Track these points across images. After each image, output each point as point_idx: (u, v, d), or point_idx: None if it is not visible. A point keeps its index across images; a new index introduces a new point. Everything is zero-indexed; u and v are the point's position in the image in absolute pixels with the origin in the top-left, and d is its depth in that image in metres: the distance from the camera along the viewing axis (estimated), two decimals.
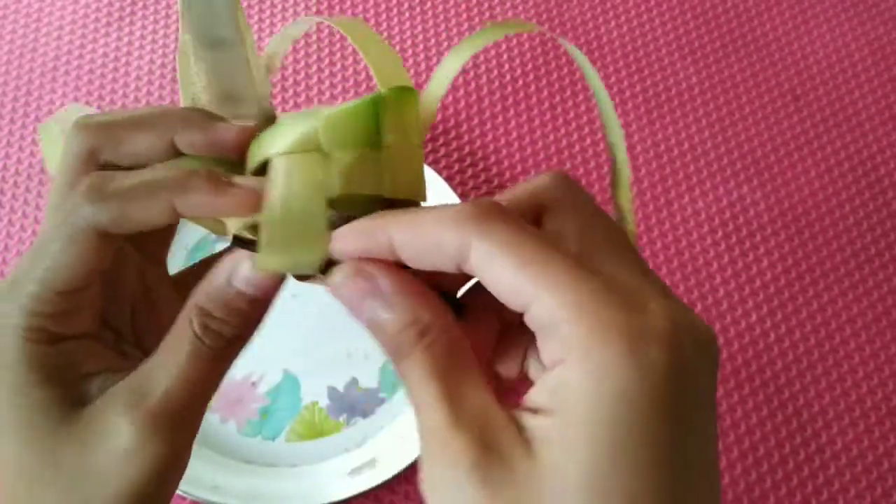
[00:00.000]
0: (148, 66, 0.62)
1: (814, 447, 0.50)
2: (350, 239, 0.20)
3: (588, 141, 0.60)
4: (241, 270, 0.21)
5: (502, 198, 0.20)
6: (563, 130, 0.60)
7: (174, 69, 0.62)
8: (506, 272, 0.17)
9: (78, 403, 0.22)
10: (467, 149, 0.59)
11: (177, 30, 0.64)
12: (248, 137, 0.22)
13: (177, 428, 0.21)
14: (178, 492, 0.46)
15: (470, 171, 0.58)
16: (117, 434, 0.21)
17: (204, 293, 0.21)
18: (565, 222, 0.19)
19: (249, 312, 0.21)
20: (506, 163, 0.58)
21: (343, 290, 0.20)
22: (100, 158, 0.22)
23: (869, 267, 0.56)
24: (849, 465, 0.50)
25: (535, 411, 0.17)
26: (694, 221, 0.57)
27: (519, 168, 0.58)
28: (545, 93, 0.61)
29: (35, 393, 0.21)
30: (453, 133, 0.59)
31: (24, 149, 0.58)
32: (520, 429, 0.17)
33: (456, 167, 0.58)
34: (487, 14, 0.65)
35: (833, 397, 0.52)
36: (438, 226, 0.18)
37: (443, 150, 0.59)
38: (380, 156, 0.20)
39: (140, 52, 0.62)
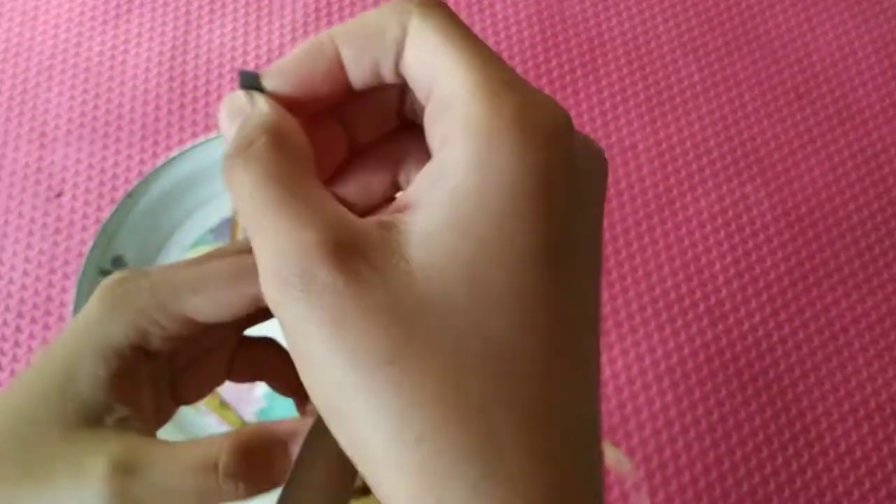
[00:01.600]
0: (145, 64, 0.61)
1: (817, 449, 0.50)
2: (296, 57, 0.19)
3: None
4: None
5: None
6: None
7: (171, 67, 0.61)
8: (434, 48, 0.17)
9: (96, 422, 0.22)
10: None
11: (174, 27, 0.63)
12: None
13: None
14: None
15: None
16: (77, 500, 0.20)
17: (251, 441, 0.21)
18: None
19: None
20: None
21: (220, 113, 0.19)
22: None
23: (874, 266, 0.56)
24: (853, 467, 0.49)
25: (401, 209, 0.16)
26: (696, 220, 0.57)
27: None
28: (547, 90, 0.61)
29: (85, 393, 0.21)
30: None
31: (19, 148, 0.58)
32: (385, 229, 0.16)
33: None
34: (488, 13, 0.64)
35: (837, 398, 0.51)
36: (380, 16, 0.18)
37: None
38: None
39: (137, 49, 0.62)
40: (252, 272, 0.20)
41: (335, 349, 0.15)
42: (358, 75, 0.18)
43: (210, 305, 0.22)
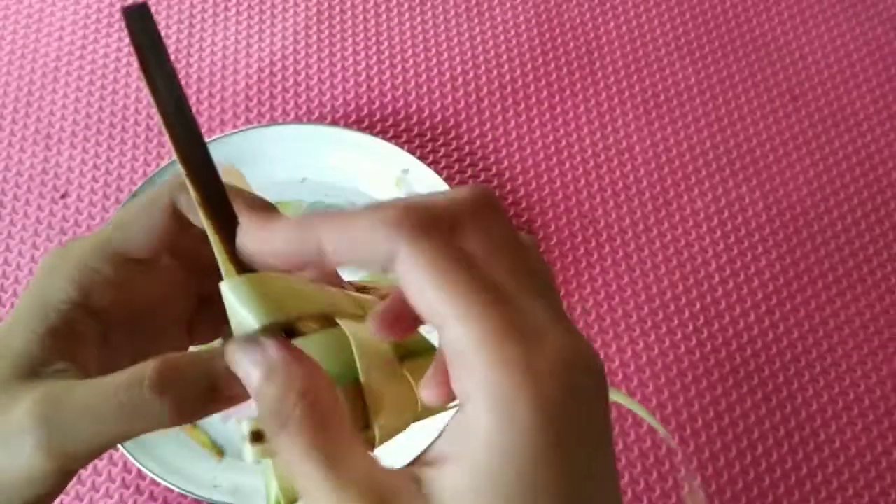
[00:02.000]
0: None
1: (812, 446, 0.50)
2: (279, 239, 0.20)
3: (587, 141, 0.60)
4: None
5: (422, 202, 0.19)
6: (562, 130, 0.60)
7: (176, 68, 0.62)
8: (426, 289, 0.17)
9: (31, 374, 0.22)
10: (467, 149, 0.59)
11: (178, 31, 0.64)
12: None
13: (76, 466, 0.22)
14: (178, 490, 0.46)
15: (469, 171, 0.58)
16: (23, 454, 0.21)
17: (182, 367, 0.22)
18: (477, 242, 0.19)
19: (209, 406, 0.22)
20: (505, 163, 0.59)
21: (237, 359, 0.20)
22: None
23: (867, 266, 0.56)
24: (847, 463, 0.50)
25: (432, 463, 0.18)
26: (692, 221, 0.57)
27: (518, 168, 0.58)
28: (545, 93, 0.61)
29: (25, 341, 0.22)
30: (453, 133, 0.60)
31: (25, 149, 0.59)
32: (416, 482, 0.18)
33: (456, 167, 0.58)
34: (487, 14, 0.65)
35: (831, 396, 0.52)
36: (369, 231, 0.18)
37: (443, 150, 0.59)
38: None
39: None
40: (159, 194, 0.24)
41: None
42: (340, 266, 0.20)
43: (134, 233, 0.24)
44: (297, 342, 0.21)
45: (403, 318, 0.21)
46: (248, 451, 0.20)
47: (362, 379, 0.21)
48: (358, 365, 0.21)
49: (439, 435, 0.19)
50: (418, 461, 0.19)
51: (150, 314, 0.26)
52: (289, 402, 0.19)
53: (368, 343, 0.22)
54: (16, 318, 0.23)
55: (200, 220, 0.22)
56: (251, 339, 0.20)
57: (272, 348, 0.20)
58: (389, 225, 0.18)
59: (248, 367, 0.20)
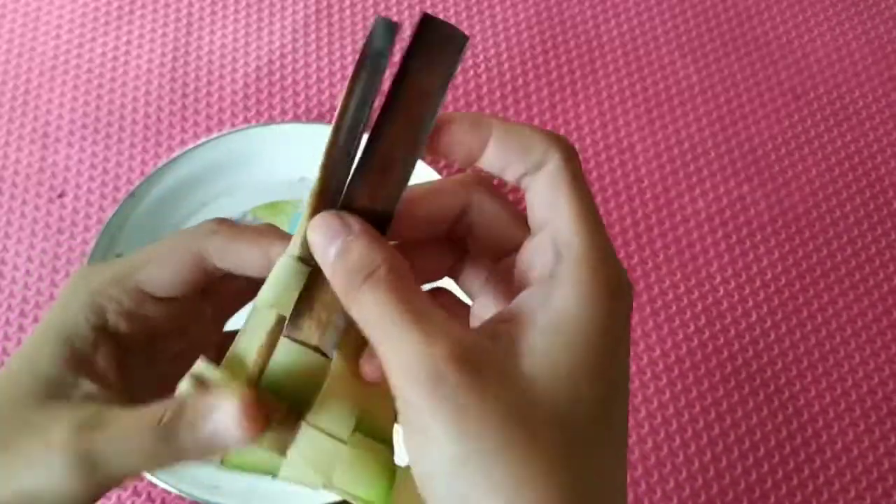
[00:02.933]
0: (147, 66, 0.62)
1: (814, 447, 0.50)
2: (465, 122, 0.23)
3: (588, 140, 0.60)
4: (217, 428, 0.22)
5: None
6: (562, 130, 0.60)
7: (173, 68, 0.62)
8: (559, 189, 0.22)
9: (61, 395, 0.23)
10: None
11: (175, 29, 0.63)
12: None
13: (109, 489, 0.23)
14: (177, 492, 0.46)
15: (469, 171, 0.58)
16: (62, 476, 0.22)
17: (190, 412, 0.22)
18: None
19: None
20: None
21: (314, 232, 0.22)
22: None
23: (869, 266, 0.56)
24: (849, 465, 0.50)
25: (509, 320, 0.21)
26: (694, 221, 0.57)
27: None
28: (545, 91, 0.61)
29: (51, 367, 0.24)
30: None
31: (22, 148, 0.58)
32: (493, 338, 0.21)
33: (455, 167, 0.58)
34: (487, 13, 0.65)
35: (833, 397, 0.52)
36: (532, 137, 0.23)
37: None
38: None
39: (139, 51, 0.62)
40: (189, 241, 0.25)
41: (460, 434, 0.19)
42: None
43: (157, 274, 0.25)
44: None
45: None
46: (184, 384, 0.22)
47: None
48: None
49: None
50: (493, 319, 0.22)
51: (170, 340, 0.27)
52: (374, 258, 0.21)
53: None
54: (40, 341, 0.24)
55: (231, 264, 0.25)
56: (331, 213, 0.23)
57: (355, 220, 0.22)
58: (551, 138, 0.23)
59: (328, 233, 0.22)
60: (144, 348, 0.26)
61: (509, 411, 0.19)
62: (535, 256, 0.22)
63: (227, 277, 0.26)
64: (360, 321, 0.21)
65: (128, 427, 0.22)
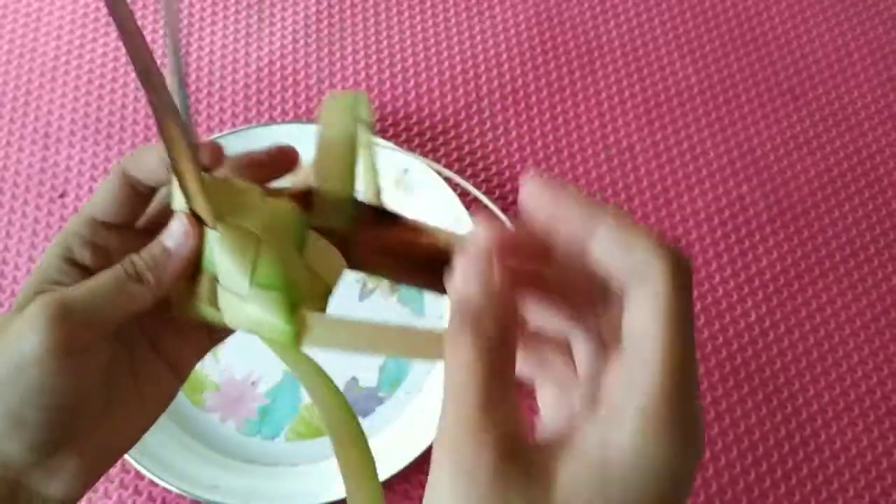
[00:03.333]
0: None
1: (813, 446, 0.50)
2: (574, 202, 0.22)
3: (588, 140, 0.60)
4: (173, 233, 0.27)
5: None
6: (562, 130, 0.60)
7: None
8: (658, 313, 0.20)
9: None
10: (467, 149, 0.59)
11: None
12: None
13: (76, 344, 0.25)
14: (177, 490, 0.46)
15: (469, 171, 0.58)
16: (32, 327, 0.25)
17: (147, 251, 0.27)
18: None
19: (167, 266, 0.27)
20: (505, 162, 0.58)
21: (476, 239, 0.22)
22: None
23: (868, 266, 0.56)
24: (848, 463, 0.50)
25: (567, 447, 0.20)
26: (693, 220, 0.57)
27: (518, 168, 0.58)
28: (545, 92, 0.61)
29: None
30: (453, 133, 0.60)
31: (23, 148, 0.58)
32: (542, 454, 0.20)
33: (456, 167, 0.58)
34: (487, 14, 0.65)
35: (832, 396, 0.52)
36: (649, 241, 0.21)
37: (442, 150, 0.59)
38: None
39: None
40: (117, 166, 0.28)
41: None
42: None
43: (99, 199, 0.28)
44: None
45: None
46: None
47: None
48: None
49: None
50: (553, 431, 0.21)
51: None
52: (489, 316, 0.21)
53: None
54: (28, 280, 0.28)
55: (141, 172, 0.28)
56: (478, 253, 0.22)
57: (496, 271, 0.22)
58: (660, 248, 0.20)
59: (471, 272, 0.22)
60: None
61: None
62: (616, 383, 0.20)
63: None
64: (444, 359, 0.21)
65: (95, 277, 0.26)
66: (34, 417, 0.25)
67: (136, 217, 0.29)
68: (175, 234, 0.27)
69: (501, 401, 0.20)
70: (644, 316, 0.20)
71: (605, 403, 0.20)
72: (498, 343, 0.21)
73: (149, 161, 0.28)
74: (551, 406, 0.25)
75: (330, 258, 0.28)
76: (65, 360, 0.25)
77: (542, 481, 0.19)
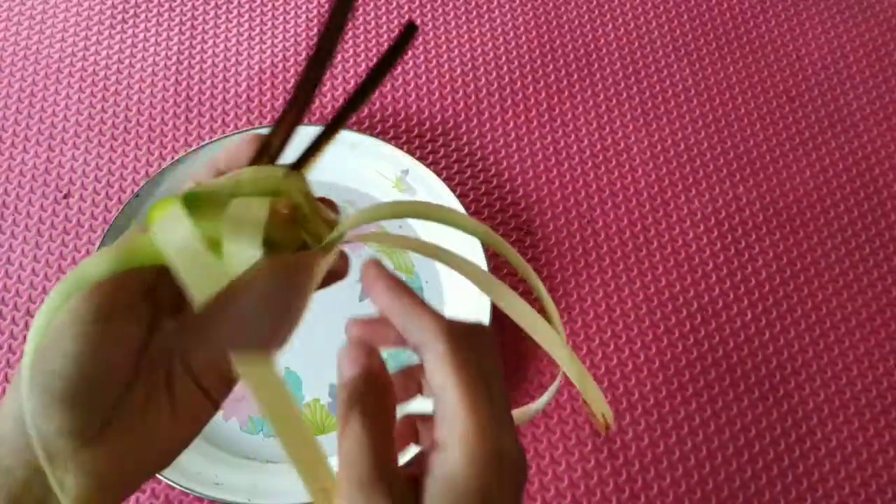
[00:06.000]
0: (151, 68, 0.62)
1: (808, 444, 0.51)
2: (386, 294, 0.28)
3: (586, 142, 0.60)
4: None
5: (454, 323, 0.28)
6: (561, 131, 0.60)
7: (177, 70, 0.62)
8: (446, 374, 0.26)
9: None
10: (466, 149, 0.59)
11: (179, 32, 0.64)
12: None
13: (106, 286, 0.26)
14: (180, 488, 0.47)
15: (469, 172, 0.59)
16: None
17: None
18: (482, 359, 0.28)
19: None
20: (504, 163, 0.59)
21: (348, 353, 0.29)
22: None
23: (863, 265, 0.57)
24: (843, 462, 0.50)
25: (425, 475, 0.26)
26: (689, 221, 0.57)
27: (517, 168, 0.59)
28: (544, 94, 0.62)
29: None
30: (452, 134, 0.60)
31: (28, 150, 0.59)
32: (415, 492, 0.25)
33: (455, 167, 0.59)
34: (486, 16, 0.65)
35: (827, 395, 0.52)
36: (428, 322, 0.27)
37: (442, 151, 0.59)
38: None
39: (143, 53, 0.63)
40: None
41: None
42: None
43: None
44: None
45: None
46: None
47: None
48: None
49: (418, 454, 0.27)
50: (414, 465, 0.27)
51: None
52: (370, 395, 0.27)
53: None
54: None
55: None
56: (355, 343, 0.29)
57: (371, 358, 0.28)
58: (435, 326, 0.27)
59: (350, 358, 0.28)
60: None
61: None
62: (439, 418, 0.26)
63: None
64: (344, 431, 0.27)
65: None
66: (66, 391, 0.25)
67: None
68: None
69: (386, 461, 0.26)
70: (435, 373, 0.26)
71: (438, 438, 0.26)
72: (381, 414, 0.27)
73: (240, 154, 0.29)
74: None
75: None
76: (97, 325, 0.25)
77: None
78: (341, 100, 0.61)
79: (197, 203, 0.25)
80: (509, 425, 0.27)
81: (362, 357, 0.28)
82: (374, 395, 0.27)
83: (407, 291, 0.28)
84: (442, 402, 0.26)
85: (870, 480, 0.50)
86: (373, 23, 0.65)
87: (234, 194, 0.26)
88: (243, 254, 0.24)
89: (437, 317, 0.27)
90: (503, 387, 0.28)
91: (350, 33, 0.64)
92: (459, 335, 0.27)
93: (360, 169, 0.56)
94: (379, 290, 0.28)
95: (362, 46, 0.64)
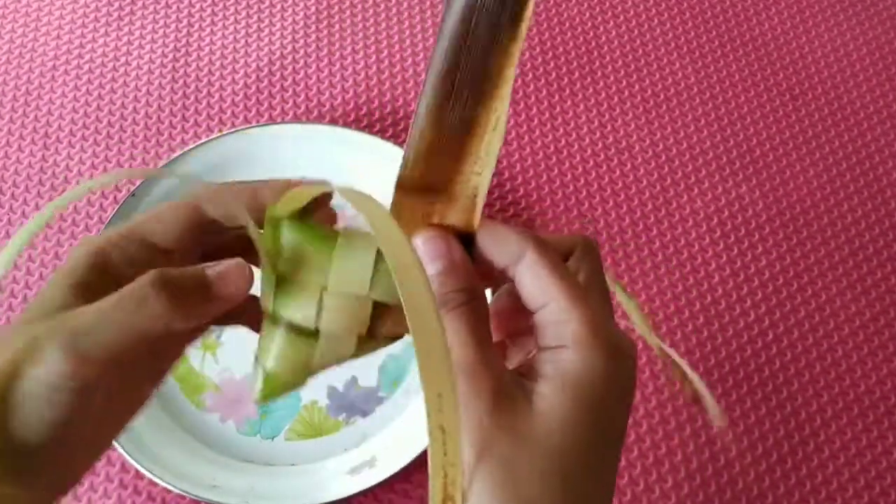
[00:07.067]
0: (147, 66, 0.62)
1: (812, 445, 0.50)
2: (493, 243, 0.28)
3: (587, 141, 0.60)
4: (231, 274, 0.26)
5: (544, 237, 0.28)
6: (561, 130, 0.60)
7: (174, 68, 0.62)
8: (542, 277, 0.26)
9: (48, 314, 0.25)
10: None
11: (176, 29, 0.64)
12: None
13: (91, 371, 0.24)
14: (176, 490, 0.46)
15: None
16: (42, 359, 0.23)
17: (178, 272, 0.25)
18: (581, 267, 0.29)
19: (210, 307, 0.26)
20: (505, 162, 0.58)
21: (426, 245, 0.28)
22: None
23: (867, 266, 0.56)
24: (847, 463, 0.50)
25: (534, 377, 0.26)
26: (692, 221, 0.57)
27: (518, 168, 0.58)
28: (544, 92, 0.61)
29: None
30: None
31: (23, 148, 0.59)
32: (520, 386, 0.26)
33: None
34: None
35: (831, 396, 0.52)
36: (511, 238, 0.27)
37: None
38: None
39: (140, 51, 0.63)
40: (193, 197, 0.27)
41: (477, 441, 0.25)
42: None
43: (160, 225, 0.27)
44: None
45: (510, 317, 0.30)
46: None
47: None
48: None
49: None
50: (519, 368, 0.27)
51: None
52: (458, 295, 0.27)
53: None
54: (55, 276, 0.26)
55: (224, 213, 0.27)
56: (437, 234, 0.28)
57: (458, 250, 0.28)
58: (522, 236, 0.27)
59: (434, 254, 0.28)
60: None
61: (521, 440, 0.24)
62: (543, 328, 0.26)
63: (218, 240, 0.29)
64: (448, 326, 0.26)
65: (103, 301, 0.24)
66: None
67: (194, 246, 0.28)
68: (230, 273, 0.26)
69: (488, 348, 0.26)
70: (532, 284, 0.26)
71: (546, 342, 0.26)
72: (474, 304, 0.27)
73: (231, 207, 0.27)
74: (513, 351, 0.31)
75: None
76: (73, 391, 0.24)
77: (525, 407, 0.25)
78: (340, 98, 0.61)
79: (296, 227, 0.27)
80: (612, 316, 0.28)
81: (442, 247, 0.28)
82: (462, 290, 0.27)
83: (485, 224, 0.29)
84: (544, 311, 0.26)
85: (873, 482, 0.50)
86: (372, 19, 0.64)
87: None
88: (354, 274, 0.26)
89: (520, 231, 0.27)
90: (602, 282, 0.29)
91: (349, 31, 0.64)
92: (544, 243, 0.27)
93: (360, 168, 0.56)
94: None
95: (361, 44, 0.63)
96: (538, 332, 0.27)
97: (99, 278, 0.26)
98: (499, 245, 0.28)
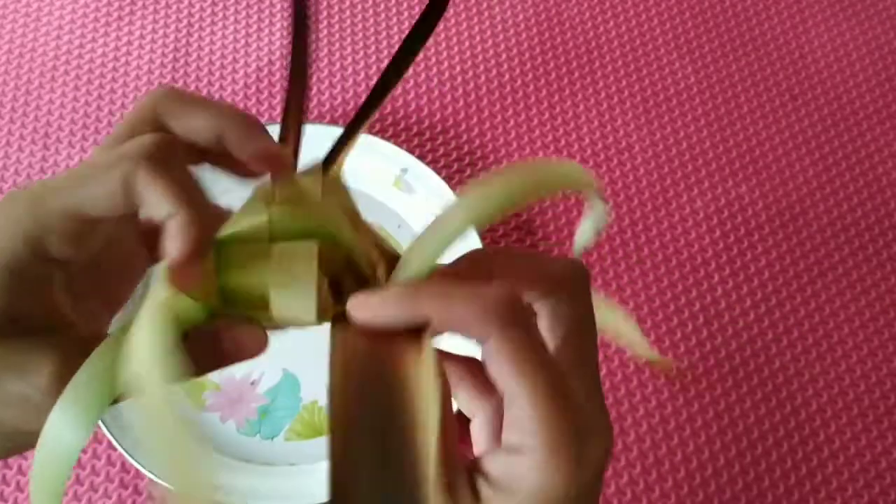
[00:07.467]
0: (147, 66, 0.62)
1: (812, 446, 0.50)
2: (391, 312, 0.23)
3: (587, 140, 0.60)
4: None
5: (513, 292, 0.23)
6: (562, 130, 0.60)
7: (173, 69, 0.62)
8: (503, 374, 0.22)
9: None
10: (466, 148, 0.59)
11: (176, 29, 0.64)
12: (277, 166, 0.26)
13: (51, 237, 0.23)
14: None
15: (469, 171, 0.58)
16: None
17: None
18: (558, 322, 0.24)
19: None
20: (504, 161, 0.58)
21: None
22: (161, 123, 0.24)
23: (866, 266, 0.56)
24: (847, 463, 0.50)
25: (486, 478, 0.23)
26: (692, 220, 0.57)
27: None
28: (544, 92, 0.61)
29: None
30: (452, 133, 0.60)
31: (23, 148, 0.59)
32: (473, 486, 0.23)
33: (455, 167, 0.58)
34: (486, 14, 0.65)
35: (831, 396, 0.52)
36: (469, 317, 0.22)
37: (441, 150, 0.59)
38: None
39: (139, 51, 0.63)
40: (121, 161, 0.23)
41: None
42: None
43: (93, 193, 0.23)
44: None
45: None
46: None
47: None
48: None
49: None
50: (476, 461, 0.23)
51: (116, 262, 0.27)
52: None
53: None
54: None
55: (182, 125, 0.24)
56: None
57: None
58: (485, 315, 0.22)
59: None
60: (89, 272, 0.26)
61: None
62: (506, 423, 0.23)
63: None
64: None
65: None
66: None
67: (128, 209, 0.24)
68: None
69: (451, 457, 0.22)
70: (493, 373, 0.22)
71: (510, 443, 0.22)
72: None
73: (199, 118, 0.24)
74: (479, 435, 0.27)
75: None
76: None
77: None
78: (340, 98, 0.61)
79: (229, 252, 0.23)
80: (595, 394, 0.23)
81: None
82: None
83: (427, 284, 0.23)
84: (509, 407, 0.22)
85: (873, 482, 0.50)
86: (371, 19, 0.64)
87: (273, 237, 0.24)
88: (297, 307, 0.23)
89: (476, 294, 0.22)
90: (593, 343, 0.24)
91: (349, 31, 0.64)
92: (513, 311, 0.22)
93: (359, 167, 0.56)
94: (389, 302, 0.23)
95: (361, 44, 0.63)
96: (504, 421, 0.23)
97: (41, 267, 0.24)
98: (464, 326, 0.22)
